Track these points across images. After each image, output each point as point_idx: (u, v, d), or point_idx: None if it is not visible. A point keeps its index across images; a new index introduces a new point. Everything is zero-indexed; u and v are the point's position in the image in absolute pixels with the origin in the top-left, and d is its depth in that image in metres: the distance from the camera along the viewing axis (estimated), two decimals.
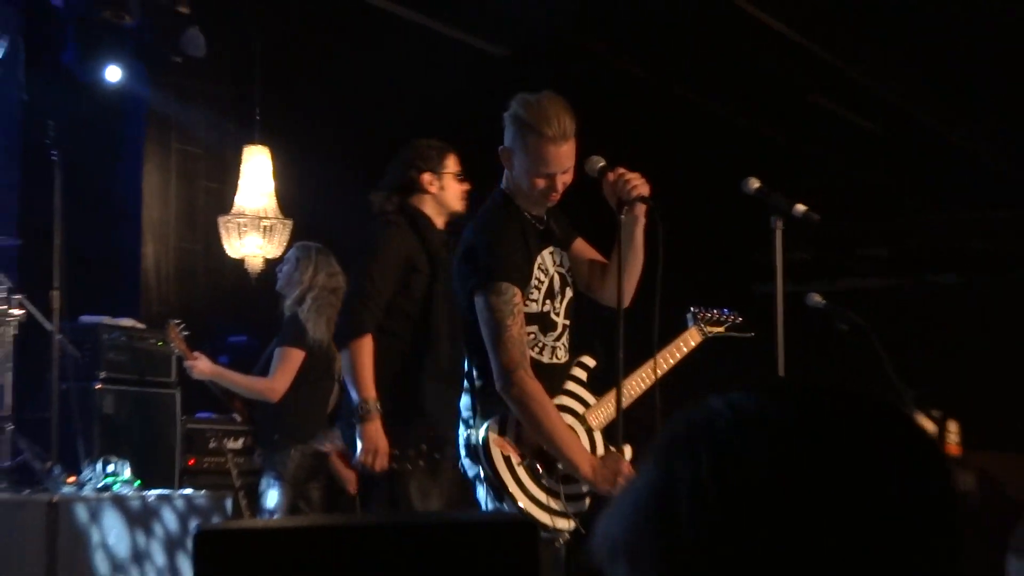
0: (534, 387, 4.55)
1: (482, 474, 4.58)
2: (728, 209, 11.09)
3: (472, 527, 2.23)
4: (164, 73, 9.35)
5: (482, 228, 4.76)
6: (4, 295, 7.53)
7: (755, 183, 4.99)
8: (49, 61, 8.86)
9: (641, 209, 4.65)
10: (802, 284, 9.12)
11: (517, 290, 4.58)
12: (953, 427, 6.79)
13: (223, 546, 2.04)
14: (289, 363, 7.39)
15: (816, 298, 6.42)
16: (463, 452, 4.69)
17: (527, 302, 4.65)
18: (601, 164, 4.69)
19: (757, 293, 11.39)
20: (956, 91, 10.45)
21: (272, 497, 7.41)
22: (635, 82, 10.39)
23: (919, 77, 10.26)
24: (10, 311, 7.53)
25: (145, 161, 9.63)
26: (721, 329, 5.42)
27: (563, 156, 4.65)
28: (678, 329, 5.27)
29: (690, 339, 5.26)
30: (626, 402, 4.70)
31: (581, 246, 4.97)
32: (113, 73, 8.90)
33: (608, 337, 4.56)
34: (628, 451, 4.71)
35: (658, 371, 4.95)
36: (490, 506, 4.60)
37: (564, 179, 4.69)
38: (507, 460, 4.57)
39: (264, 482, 7.51)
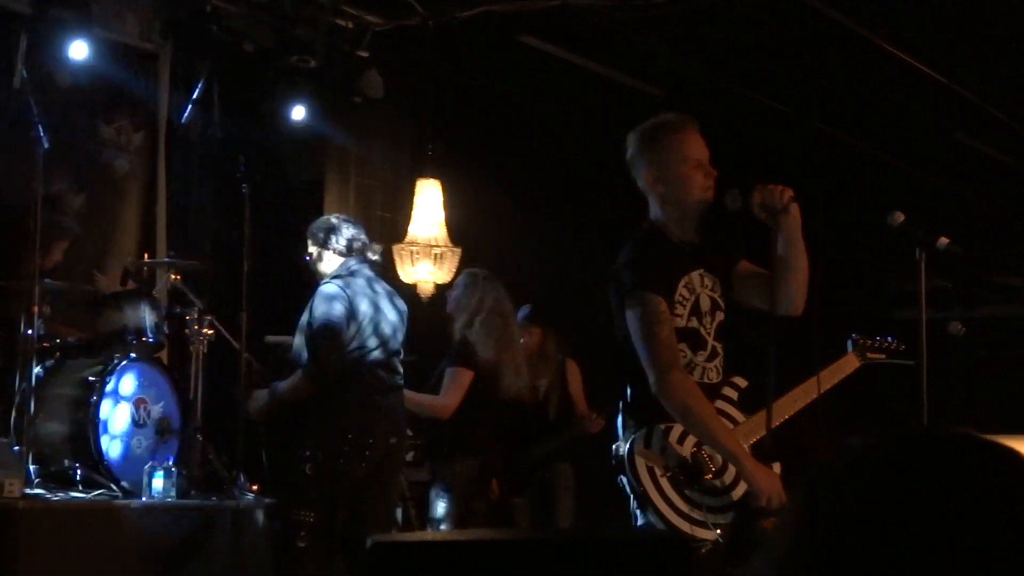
0: (690, 385, 4.49)
1: (628, 487, 4.52)
2: (868, 239, 10.93)
3: (629, 544, 2.19)
4: (344, 111, 9.45)
5: (627, 249, 4.72)
6: (196, 316, 7.66)
7: (900, 217, 4.88)
8: (241, 100, 9.02)
9: (796, 210, 4.57)
10: (942, 311, 8.94)
11: (662, 300, 4.52)
12: None
13: (395, 557, 2.02)
14: (460, 382, 7.40)
15: (957, 326, 6.26)
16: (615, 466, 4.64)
17: (673, 316, 4.57)
18: (736, 192, 4.63)
19: (897, 319, 11.18)
20: None
21: (440, 508, 7.42)
22: (781, 120, 10.27)
23: None
24: (202, 331, 7.65)
25: (326, 192, 9.74)
26: (882, 356, 5.28)
27: (701, 144, 4.64)
28: (834, 355, 5.14)
29: (848, 365, 5.13)
30: (778, 421, 4.61)
31: (746, 266, 4.88)
32: (298, 112, 9.04)
33: (764, 356, 4.48)
34: (777, 467, 4.62)
35: (811, 391, 4.84)
36: (640, 519, 4.54)
37: (710, 174, 4.64)
38: (651, 471, 4.50)
39: (433, 493, 7.52)
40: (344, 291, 6.65)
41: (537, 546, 2.09)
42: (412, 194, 9.72)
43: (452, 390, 7.40)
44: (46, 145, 7.04)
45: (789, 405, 4.79)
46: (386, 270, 9.74)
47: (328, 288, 6.68)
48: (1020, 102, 9.79)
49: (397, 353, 6.95)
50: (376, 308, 6.76)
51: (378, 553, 2.04)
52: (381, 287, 6.91)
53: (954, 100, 9.50)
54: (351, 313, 6.64)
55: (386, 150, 10.13)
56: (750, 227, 4.67)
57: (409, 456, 8.32)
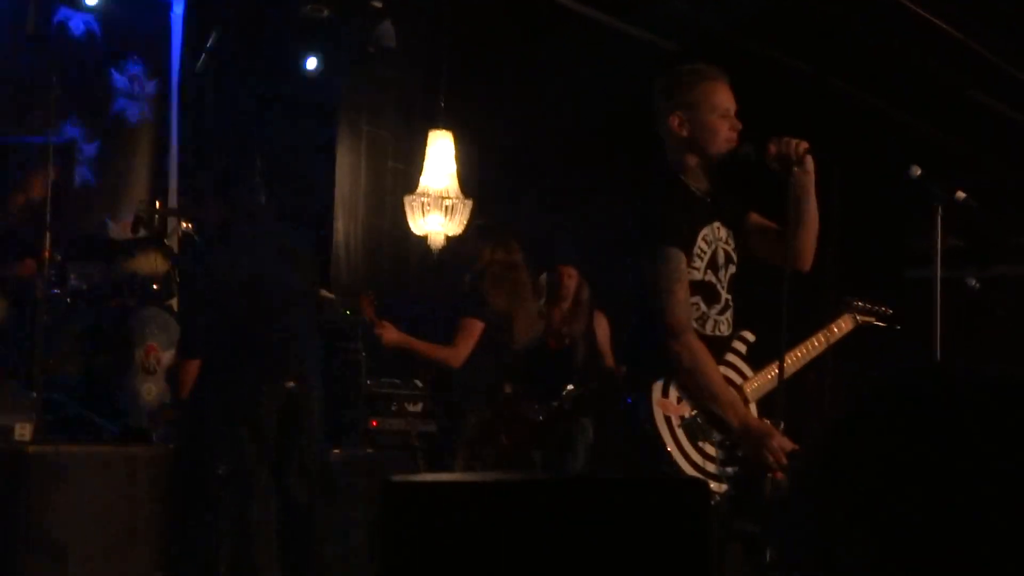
0: (699, 347, 4.47)
1: (644, 435, 4.50)
2: (883, 196, 10.88)
3: (647, 485, 2.16)
4: (358, 63, 9.41)
5: (646, 197, 4.68)
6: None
7: (917, 170, 4.85)
8: (254, 50, 8.98)
9: (811, 163, 4.54)
10: (955, 270, 8.90)
11: (683, 255, 4.49)
12: None
13: (408, 497, 2.00)
14: (471, 332, 7.37)
15: (973, 281, 6.24)
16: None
17: (691, 270, 4.54)
18: (751, 144, 4.60)
19: (910, 278, 11.14)
20: None
21: (454, 458, 7.41)
22: (797, 76, 10.21)
23: None
24: None
25: (339, 143, 9.71)
26: (871, 319, 5.29)
27: (731, 95, 4.61)
28: (835, 314, 5.15)
29: (843, 324, 5.14)
30: (785, 377, 4.60)
31: (756, 219, 4.86)
32: (311, 62, 9.00)
33: (772, 311, 4.46)
34: (782, 425, 4.61)
35: (812, 351, 4.85)
36: (654, 467, 4.53)
37: (735, 125, 4.61)
38: (668, 421, 4.49)
39: (442, 442, 7.52)
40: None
41: (556, 486, 2.06)
42: (424, 145, 9.70)
43: (463, 340, 7.37)
44: (59, 92, 7.01)
45: (795, 363, 4.79)
46: (397, 221, 9.75)
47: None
48: None
49: (294, 298, 6.79)
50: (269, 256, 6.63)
51: (393, 492, 2.01)
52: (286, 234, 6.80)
53: (970, 57, 9.44)
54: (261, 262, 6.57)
55: (399, 101, 10.10)
56: (763, 180, 4.64)
57: (418, 407, 8.31)
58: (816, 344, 4.92)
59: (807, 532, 1.21)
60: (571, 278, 8.19)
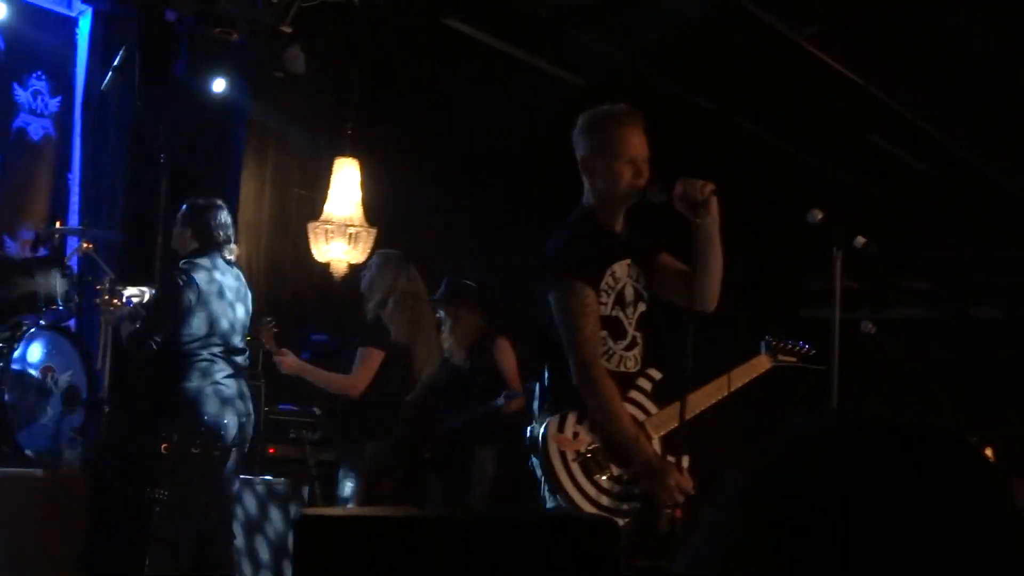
0: (607, 381, 4.54)
1: (539, 469, 4.56)
2: (781, 238, 11.05)
3: (558, 524, 2.21)
4: (266, 87, 9.40)
5: (557, 232, 4.75)
6: (107, 285, 7.57)
7: (819, 214, 4.95)
8: (161, 71, 8.93)
9: (715, 205, 4.62)
10: (851, 311, 9.05)
11: (590, 290, 4.56)
12: (988, 453, 6.72)
13: (323, 530, 2.03)
14: (370, 362, 7.40)
15: (868, 324, 6.36)
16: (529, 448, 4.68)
17: (598, 304, 4.61)
18: (660, 185, 4.67)
19: (806, 318, 11.31)
20: (1000, 135, 10.36)
21: (347, 488, 7.42)
22: (703, 116, 10.34)
23: (968, 121, 10.17)
24: (112, 301, 7.56)
25: (244, 167, 9.67)
26: (794, 359, 5.37)
27: (642, 142, 4.68)
28: (748, 354, 5.22)
29: (760, 365, 5.21)
30: (689, 415, 4.67)
31: (667, 259, 4.93)
32: (219, 85, 8.98)
33: (680, 349, 4.53)
34: (686, 460, 4.68)
35: (721, 388, 4.92)
36: (549, 503, 4.58)
37: (645, 168, 4.68)
38: (563, 456, 4.54)
39: (341, 472, 7.51)
40: (193, 274, 6.67)
41: (471, 523, 2.10)
42: (330, 173, 9.69)
43: (363, 370, 7.39)
44: None
45: (701, 400, 4.85)
46: (300, 248, 9.72)
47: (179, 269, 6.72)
48: (933, 108, 9.94)
49: (244, 336, 6.93)
50: (223, 292, 6.76)
51: (306, 526, 2.04)
52: (230, 271, 6.88)
53: (871, 103, 9.63)
54: (199, 296, 6.66)
55: (305, 127, 10.08)
56: (673, 221, 4.72)
57: (316, 435, 8.30)
58: (726, 382, 4.99)
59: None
60: (462, 314, 8.11)
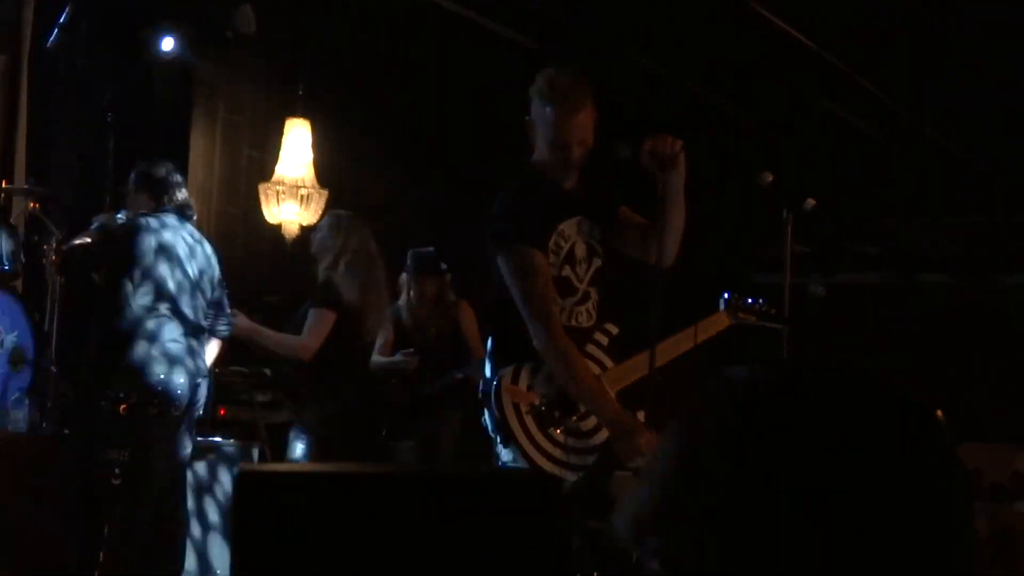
0: (566, 343, 4.53)
1: (493, 421, 4.53)
2: (732, 202, 11.07)
3: (499, 479, 2.20)
4: (215, 46, 9.32)
5: (502, 194, 4.73)
6: (54, 245, 7.50)
7: (769, 177, 4.96)
8: (110, 28, 8.83)
9: (682, 162, 4.60)
10: (801, 276, 9.06)
11: (536, 251, 4.55)
12: (939, 415, 6.75)
13: (262, 487, 2.01)
14: (322, 323, 7.35)
15: (819, 288, 6.38)
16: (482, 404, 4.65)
17: (547, 263, 4.60)
18: (626, 142, 4.66)
19: (758, 282, 11.34)
20: (954, 102, 10.40)
21: (298, 449, 7.39)
22: (653, 80, 10.34)
23: (922, 88, 10.21)
24: (59, 261, 7.49)
25: (192, 127, 9.60)
26: (753, 317, 5.34)
27: (576, 126, 4.63)
28: (708, 311, 5.19)
29: (719, 322, 5.19)
30: (645, 371, 4.66)
31: (626, 213, 4.91)
32: (168, 43, 8.88)
33: (641, 304, 4.52)
34: (642, 415, 4.67)
35: (680, 345, 4.90)
36: (503, 456, 4.56)
37: (579, 150, 4.65)
38: (516, 408, 4.53)
39: (292, 434, 7.49)
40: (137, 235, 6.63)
41: (406, 480, 2.08)
42: (281, 134, 9.63)
43: (314, 331, 7.35)
44: None
45: (659, 356, 4.84)
46: (251, 210, 9.67)
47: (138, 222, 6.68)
48: (885, 73, 9.96)
49: (205, 295, 6.88)
50: (170, 251, 6.71)
51: (246, 482, 2.02)
52: (182, 229, 6.83)
53: (823, 67, 9.64)
54: (160, 251, 6.62)
55: (256, 88, 10.00)
56: (636, 178, 4.70)
57: (267, 397, 8.26)
58: (685, 339, 4.96)
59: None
60: (429, 285, 8.16)
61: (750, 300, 5.33)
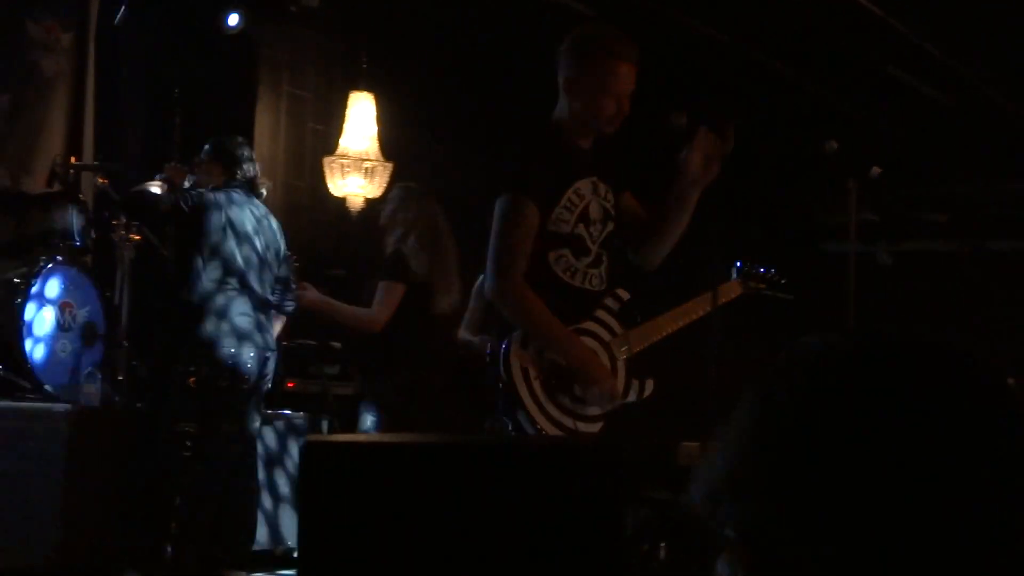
0: (524, 291, 4.43)
1: (500, 385, 4.47)
2: (797, 171, 10.99)
3: (559, 447, 2.20)
4: (279, 20, 9.36)
5: (516, 143, 4.67)
6: (123, 221, 7.57)
7: (834, 145, 4.92)
8: (176, 4, 8.89)
9: (717, 168, 4.56)
10: (868, 244, 9.02)
11: (534, 208, 4.45)
12: (1010, 383, 6.70)
13: (328, 458, 2.02)
14: (391, 296, 7.34)
15: (885, 255, 6.33)
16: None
17: (558, 222, 4.50)
18: (683, 114, 4.59)
19: (823, 251, 11.27)
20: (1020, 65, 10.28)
21: (367, 422, 7.42)
22: (714, 47, 10.27)
23: (988, 52, 10.09)
24: (128, 236, 7.58)
25: (258, 102, 9.65)
26: (763, 286, 5.29)
27: (629, 78, 4.54)
28: (721, 279, 5.13)
29: (730, 290, 5.15)
30: (656, 338, 4.65)
31: (630, 199, 4.83)
32: (233, 18, 8.93)
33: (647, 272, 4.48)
34: (651, 384, 4.64)
35: (691, 313, 4.86)
36: (510, 422, 4.48)
37: (623, 103, 4.56)
38: (525, 372, 4.44)
39: (362, 407, 7.51)
40: (223, 203, 6.73)
41: (465, 449, 2.10)
42: (345, 107, 9.67)
43: (384, 304, 7.35)
44: None
45: (668, 324, 4.80)
46: (316, 183, 9.72)
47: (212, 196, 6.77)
48: (952, 39, 9.85)
49: (272, 269, 6.96)
50: (236, 226, 6.79)
51: (312, 453, 2.04)
52: (248, 204, 6.91)
53: (888, 34, 9.54)
54: (229, 226, 6.71)
55: (320, 61, 10.05)
56: (658, 160, 4.64)
57: (335, 370, 8.31)
58: (697, 307, 4.91)
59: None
60: None
61: (762, 269, 5.27)
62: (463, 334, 7.48)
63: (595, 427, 4.54)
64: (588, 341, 4.59)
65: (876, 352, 1.24)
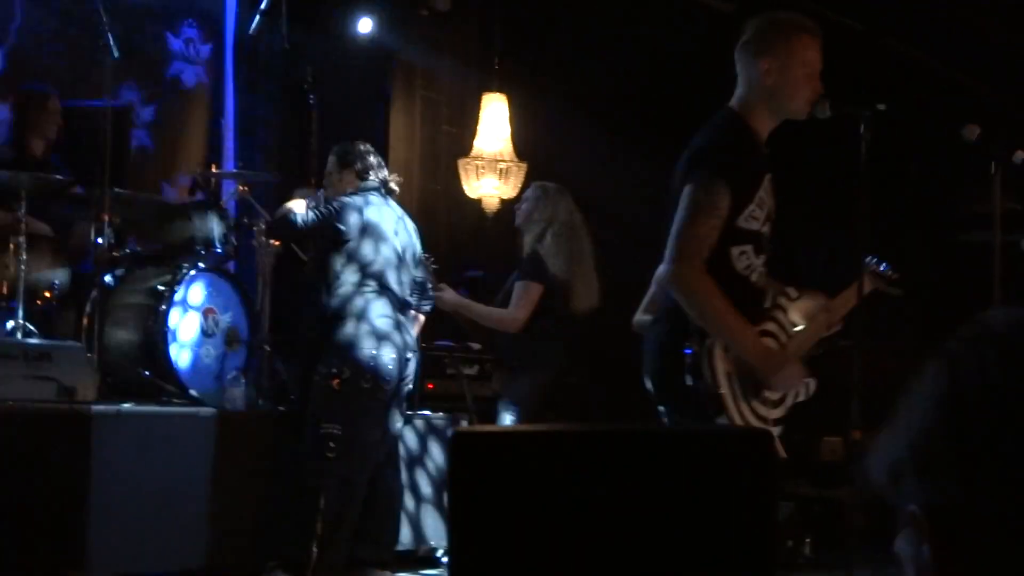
0: (706, 280, 4.27)
1: (701, 389, 4.30)
2: (938, 159, 10.82)
3: (711, 435, 2.21)
4: (412, 25, 9.45)
5: (709, 131, 4.46)
6: (263, 227, 7.70)
7: (975, 130, 4.83)
8: (308, 13, 9.03)
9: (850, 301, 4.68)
10: (1010, 233, 8.83)
11: (729, 197, 4.28)
12: None
13: (477, 448, 2.05)
14: (529, 296, 7.37)
15: None
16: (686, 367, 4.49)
17: (750, 219, 4.35)
18: (827, 102, 4.50)
19: (962, 241, 11.09)
20: None
21: (507, 420, 7.45)
22: (853, 37, 10.16)
23: None
24: (269, 242, 7.71)
25: (392, 106, 9.76)
26: (883, 283, 5.19)
27: (820, 56, 4.45)
28: (858, 274, 5.07)
29: (866, 284, 5.09)
30: (818, 338, 4.61)
31: None
32: (365, 25, 9.05)
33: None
34: (814, 384, 4.56)
35: (843, 308, 4.81)
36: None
37: (819, 85, 4.45)
38: (728, 376, 4.30)
39: (501, 406, 7.54)
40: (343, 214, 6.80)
41: (620, 437, 2.11)
42: (478, 109, 9.73)
43: (522, 304, 7.37)
44: (115, 55, 7.10)
45: (827, 321, 4.75)
46: (451, 185, 9.80)
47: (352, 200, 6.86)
48: None
49: (409, 270, 7.04)
50: (374, 229, 6.86)
51: (461, 443, 2.07)
52: (384, 205, 6.99)
53: None
54: (366, 229, 6.79)
55: (452, 64, 10.12)
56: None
57: (474, 370, 8.36)
58: (845, 302, 4.83)
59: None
60: None
61: (884, 267, 5.16)
62: (640, 317, 7.46)
63: (777, 431, 4.46)
64: (769, 342, 4.51)
65: None
